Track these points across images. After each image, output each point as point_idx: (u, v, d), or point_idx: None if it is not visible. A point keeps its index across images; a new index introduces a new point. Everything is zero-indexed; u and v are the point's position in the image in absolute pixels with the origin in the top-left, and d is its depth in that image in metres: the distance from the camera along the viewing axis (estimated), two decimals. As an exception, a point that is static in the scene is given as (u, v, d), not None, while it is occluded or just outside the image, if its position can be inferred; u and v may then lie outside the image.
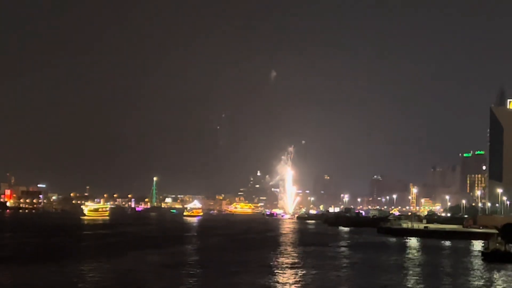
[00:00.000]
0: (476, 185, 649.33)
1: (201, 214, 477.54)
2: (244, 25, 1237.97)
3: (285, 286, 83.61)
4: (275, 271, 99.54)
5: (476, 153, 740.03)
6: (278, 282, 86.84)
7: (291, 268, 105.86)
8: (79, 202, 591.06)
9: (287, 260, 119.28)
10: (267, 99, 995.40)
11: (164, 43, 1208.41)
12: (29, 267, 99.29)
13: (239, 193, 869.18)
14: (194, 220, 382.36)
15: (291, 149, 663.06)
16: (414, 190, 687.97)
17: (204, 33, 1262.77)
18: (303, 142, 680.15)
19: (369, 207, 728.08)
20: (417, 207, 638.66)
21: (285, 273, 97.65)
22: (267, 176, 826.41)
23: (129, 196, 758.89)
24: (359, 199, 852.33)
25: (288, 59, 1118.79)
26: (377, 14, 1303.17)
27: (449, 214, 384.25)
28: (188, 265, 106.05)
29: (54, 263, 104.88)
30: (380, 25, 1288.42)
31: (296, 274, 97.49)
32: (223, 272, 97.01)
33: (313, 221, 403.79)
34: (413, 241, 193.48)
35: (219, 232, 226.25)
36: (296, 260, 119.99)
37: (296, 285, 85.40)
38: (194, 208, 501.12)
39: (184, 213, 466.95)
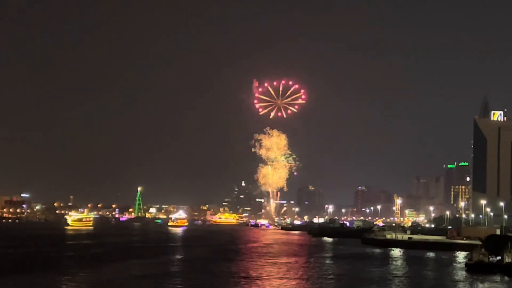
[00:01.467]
0: (460, 196, 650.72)
1: (186, 224, 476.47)
2: (225, 35, 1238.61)
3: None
4: (259, 282, 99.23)
5: (460, 164, 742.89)
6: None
7: (275, 279, 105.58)
8: (62, 212, 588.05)
9: (271, 271, 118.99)
10: (250, 109, 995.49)
11: (150, 54, 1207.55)
12: (11, 277, 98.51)
13: (223, 204, 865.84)
14: (179, 230, 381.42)
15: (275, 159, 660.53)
16: (398, 201, 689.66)
17: (186, 45, 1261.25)
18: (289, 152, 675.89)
19: (354, 218, 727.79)
20: (401, 218, 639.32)
21: (269, 284, 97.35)
22: (249, 185, 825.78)
23: (113, 206, 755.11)
24: (343, 210, 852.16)
25: (270, 67, 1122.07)
26: (363, 23, 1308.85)
27: (433, 225, 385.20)
28: (171, 276, 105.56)
29: (36, 273, 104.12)
30: (364, 33, 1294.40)
31: (280, 285, 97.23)
32: (206, 283, 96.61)
33: (297, 232, 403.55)
34: (397, 252, 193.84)
35: (204, 243, 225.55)
36: (280, 271, 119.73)
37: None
38: (179, 218, 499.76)
39: (169, 224, 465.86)
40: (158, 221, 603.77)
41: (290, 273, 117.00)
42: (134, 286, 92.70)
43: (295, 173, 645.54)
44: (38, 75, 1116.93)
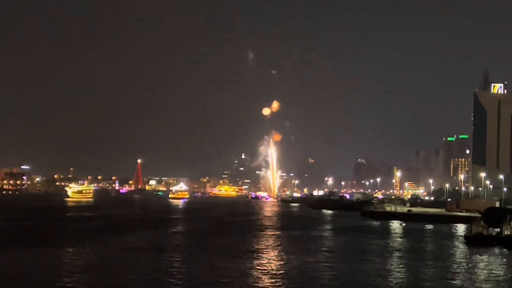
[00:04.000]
0: (459, 169, 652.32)
1: (187, 196, 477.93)
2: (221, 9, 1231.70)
3: (268, 270, 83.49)
4: (259, 255, 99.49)
5: (459, 137, 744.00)
6: (260, 266, 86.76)
7: (274, 252, 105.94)
8: (63, 184, 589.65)
9: (270, 244, 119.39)
10: (250, 81, 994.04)
11: (148, 31, 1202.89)
12: (10, 249, 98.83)
13: (223, 176, 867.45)
14: (180, 202, 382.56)
15: (274, 131, 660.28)
16: (398, 174, 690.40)
17: (183, 20, 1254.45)
18: (288, 124, 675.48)
19: (353, 190, 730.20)
20: (401, 191, 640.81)
21: (268, 257, 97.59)
22: (247, 157, 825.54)
23: (113, 178, 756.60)
24: (343, 183, 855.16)
25: (268, 42, 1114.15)
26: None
27: (432, 198, 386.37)
28: (172, 249, 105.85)
29: (36, 246, 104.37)
30: (362, 8, 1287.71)
31: (279, 258, 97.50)
32: (206, 256, 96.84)
33: (297, 204, 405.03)
34: (396, 225, 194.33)
35: (204, 215, 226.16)
36: (279, 244, 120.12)
37: (279, 269, 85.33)
38: (179, 190, 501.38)
39: (170, 196, 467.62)
40: (159, 193, 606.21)
41: (289, 245, 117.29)
42: (134, 258, 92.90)
43: (292, 136, 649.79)
44: (39, 46, 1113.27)
